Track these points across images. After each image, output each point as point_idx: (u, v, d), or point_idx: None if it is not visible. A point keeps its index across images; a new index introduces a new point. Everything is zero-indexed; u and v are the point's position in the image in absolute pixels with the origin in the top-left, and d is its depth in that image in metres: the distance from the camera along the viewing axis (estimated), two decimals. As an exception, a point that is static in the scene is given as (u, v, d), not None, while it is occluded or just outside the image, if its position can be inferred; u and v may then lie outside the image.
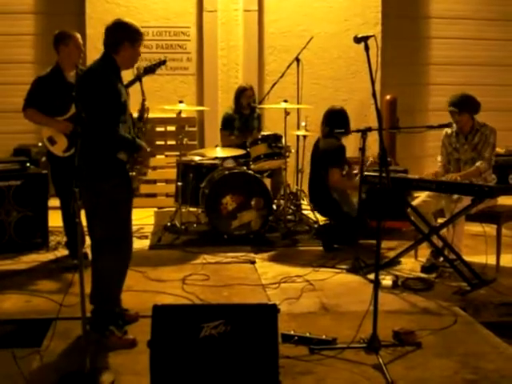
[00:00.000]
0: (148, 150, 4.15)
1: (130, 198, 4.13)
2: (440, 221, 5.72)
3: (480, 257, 5.68)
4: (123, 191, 4.03)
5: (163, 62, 5.01)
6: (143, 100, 4.34)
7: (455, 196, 5.50)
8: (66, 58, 5.52)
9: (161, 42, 9.15)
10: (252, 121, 7.66)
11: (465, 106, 5.64)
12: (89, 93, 3.94)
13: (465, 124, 5.70)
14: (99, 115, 3.89)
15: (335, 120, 6.57)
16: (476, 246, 6.13)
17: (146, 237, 6.85)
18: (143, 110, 4.33)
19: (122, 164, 4.02)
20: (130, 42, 4.06)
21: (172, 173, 7.65)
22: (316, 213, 7.12)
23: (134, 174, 4.09)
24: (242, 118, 7.57)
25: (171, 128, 8.82)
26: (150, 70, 4.76)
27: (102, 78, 3.94)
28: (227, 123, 7.57)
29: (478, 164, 5.60)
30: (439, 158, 5.97)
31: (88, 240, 4.33)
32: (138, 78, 4.96)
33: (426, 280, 5.37)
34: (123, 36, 4.05)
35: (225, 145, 7.43)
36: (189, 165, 7.07)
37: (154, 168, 8.28)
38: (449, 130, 5.84)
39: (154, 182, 8.64)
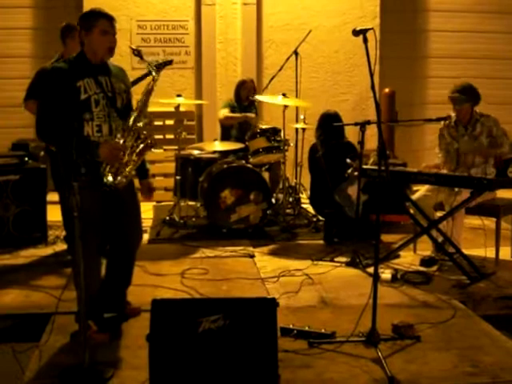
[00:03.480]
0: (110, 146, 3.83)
1: (94, 200, 3.87)
2: (439, 214, 5.71)
3: (479, 250, 5.69)
4: (82, 194, 3.61)
5: (169, 62, 4.97)
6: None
7: (455, 189, 5.49)
8: (72, 50, 5.45)
9: (159, 35, 9.14)
10: (250, 113, 7.66)
11: (469, 95, 5.60)
12: (44, 93, 3.85)
13: (464, 114, 5.68)
14: (55, 115, 3.76)
15: (330, 124, 6.53)
16: (475, 239, 6.13)
17: (145, 231, 6.83)
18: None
19: (83, 166, 3.78)
20: (85, 29, 3.88)
21: (171, 167, 7.64)
22: (319, 217, 7.09)
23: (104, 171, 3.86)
24: (241, 111, 7.57)
25: (170, 122, 8.82)
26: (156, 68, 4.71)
27: (54, 77, 3.82)
28: (229, 106, 7.57)
29: (503, 148, 5.55)
30: (437, 150, 5.95)
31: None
32: (143, 77, 4.91)
33: (426, 273, 5.37)
34: (80, 26, 3.92)
35: (227, 123, 7.44)
36: (187, 159, 7.06)
37: (153, 162, 8.26)
38: (447, 121, 5.82)
39: (153, 176, 8.62)
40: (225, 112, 7.56)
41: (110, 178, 3.87)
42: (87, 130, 3.84)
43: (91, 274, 4.01)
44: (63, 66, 3.87)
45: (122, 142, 3.90)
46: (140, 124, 4.00)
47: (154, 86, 4.14)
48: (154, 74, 4.16)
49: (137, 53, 4.16)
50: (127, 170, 3.94)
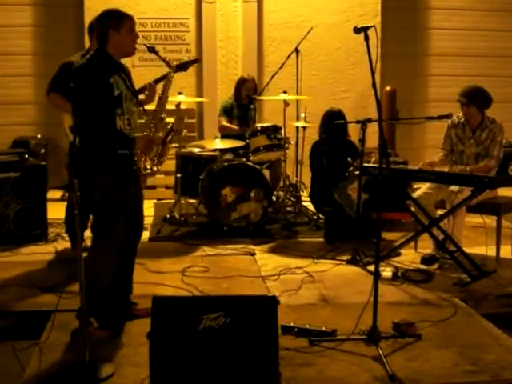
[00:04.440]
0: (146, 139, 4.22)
1: (126, 194, 4.06)
2: (440, 212, 5.71)
3: (480, 248, 5.69)
4: (116, 187, 3.99)
5: (196, 61, 5.02)
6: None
7: (456, 187, 5.49)
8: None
9: (160, 33, 9.13)
10: (249, 111, 7.67)
11: (474, 98, 5.58)
12: (78, 90, 3.94)
13: (472, 117, 5.66)
14: (90, 111, 3.91)
15: (333, 122, 6.52)
16: (476, 237, 6.12)
17: (146, 228, 6.81)
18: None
19: (117, 159, 3.98)
20: (114, 29, 4.01)
21: (171, 164, 7.62)
22: (320, 215, 7.08)
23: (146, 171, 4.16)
24: (241, 108, 7.58)
25: (170, 120, 8.78)
26: (183, 66, 4.77)
27: (89, 74, 3.93)
28: (226, 112, 7.58)
29: (486, 161, 5.57)
30: (441, 149, 5.93)
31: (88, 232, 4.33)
32: (166, 76, 4.97)
33: (426, 271, 5.37)
34: (106, 25, 4.03)
35: (224, 132, 7.45)
36: (188, 156, 7.06)
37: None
38: (456, 120, 5.80)
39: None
40: (222, 121, 7.57)
41: (148, 167, 4.26)
42: (119, 124, 4.00)
43: (109, 270, 4.06)
44: (89, 64, 4.00)
45: (153, 134, 4.31)
46: (163, 115, 4.44)
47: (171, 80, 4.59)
48: (171, 72, 4.36)
49: (152, 50, 4.32)
50: (162, 158, 4.47)
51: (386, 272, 5.25)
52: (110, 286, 4.18)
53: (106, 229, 4.01)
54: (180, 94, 7.02)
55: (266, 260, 5.81)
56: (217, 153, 7.02)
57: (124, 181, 4.03)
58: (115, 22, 4.02)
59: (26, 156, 6.47)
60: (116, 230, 4.02)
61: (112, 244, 4.04)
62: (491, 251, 5.61)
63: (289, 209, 7.34)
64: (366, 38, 3.88)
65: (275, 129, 6.87)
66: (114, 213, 4.00)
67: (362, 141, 5.54)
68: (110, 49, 4.04)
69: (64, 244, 6.03)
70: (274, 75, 7.77)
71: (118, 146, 3.97)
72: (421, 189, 5.83)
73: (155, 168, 4.35)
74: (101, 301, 4.08)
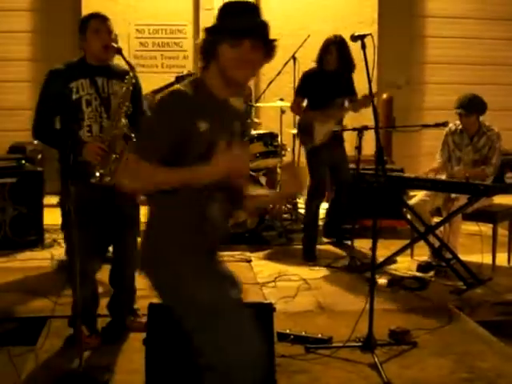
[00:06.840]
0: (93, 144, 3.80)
1: (85, 200, 3.76)
2: (436, 220, 5.72)
3: (476, 256, 5.68)
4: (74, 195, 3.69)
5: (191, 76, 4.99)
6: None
7: (452, 195, 5.50)
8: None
9: (157, 39, 9.14)
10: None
11: (473, 108, 5.60)
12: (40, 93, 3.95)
13: (471, 125, 5.68)
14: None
15: None
16: (472, 245, 6.13)
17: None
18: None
19: (73, 165, 3.77)
20: (81, 34, 3.92)
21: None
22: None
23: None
24: None
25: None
26: (182, 79, 4.74)
27: (49, 76, 3.92)
28: None
29: (485, 167, 5.58)
30: (438, 156, 5.94)
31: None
32: (167, 86, 4.94)
33: (422, 279, 5.37)
34: (79, 31, 3.95)
35: None
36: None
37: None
38: (453, 127, 5.81)
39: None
40: None
41: (97, 175, 3.77)
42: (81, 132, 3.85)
43: (83, 275, 3.97)
44: (60, 68, 3.93)
45: (105, 141, 3.83)
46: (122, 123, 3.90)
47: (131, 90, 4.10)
48: (131, 78, 4.07)
49: (118, 51, 4.08)
50: (113, 168, 3.82)
51: (382, 279, 5.25)
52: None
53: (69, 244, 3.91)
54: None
55: (262, 267, 5.80)
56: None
57: (81, 187, 3.72)
58: (81, 27, 3.93)
59: (23, 162, 6.46)
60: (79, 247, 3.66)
61: (77, 259, 3.67)
62: (487, 259, 5.61)
63: (285, 216, 7.34)
64: (363, 46, 3.89)
65: (272, 136, 6.87)
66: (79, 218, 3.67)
67: (359, 148, 5.55)
68: (86, 54, 3.95)
69: (60, 250, 6.01)
70: (270, 82, 7.77)
71: (75, 153, 3.75)
72: (417, 196, 5.83)
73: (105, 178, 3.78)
74: (91, 308, 4.06)
